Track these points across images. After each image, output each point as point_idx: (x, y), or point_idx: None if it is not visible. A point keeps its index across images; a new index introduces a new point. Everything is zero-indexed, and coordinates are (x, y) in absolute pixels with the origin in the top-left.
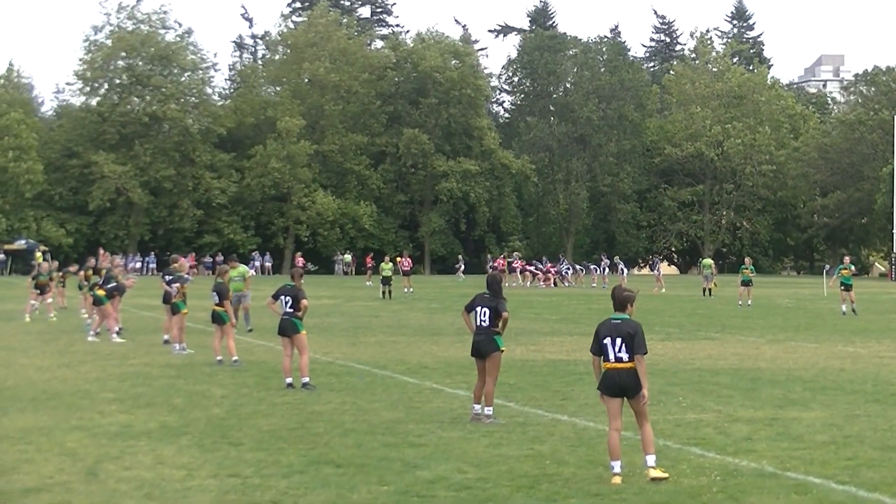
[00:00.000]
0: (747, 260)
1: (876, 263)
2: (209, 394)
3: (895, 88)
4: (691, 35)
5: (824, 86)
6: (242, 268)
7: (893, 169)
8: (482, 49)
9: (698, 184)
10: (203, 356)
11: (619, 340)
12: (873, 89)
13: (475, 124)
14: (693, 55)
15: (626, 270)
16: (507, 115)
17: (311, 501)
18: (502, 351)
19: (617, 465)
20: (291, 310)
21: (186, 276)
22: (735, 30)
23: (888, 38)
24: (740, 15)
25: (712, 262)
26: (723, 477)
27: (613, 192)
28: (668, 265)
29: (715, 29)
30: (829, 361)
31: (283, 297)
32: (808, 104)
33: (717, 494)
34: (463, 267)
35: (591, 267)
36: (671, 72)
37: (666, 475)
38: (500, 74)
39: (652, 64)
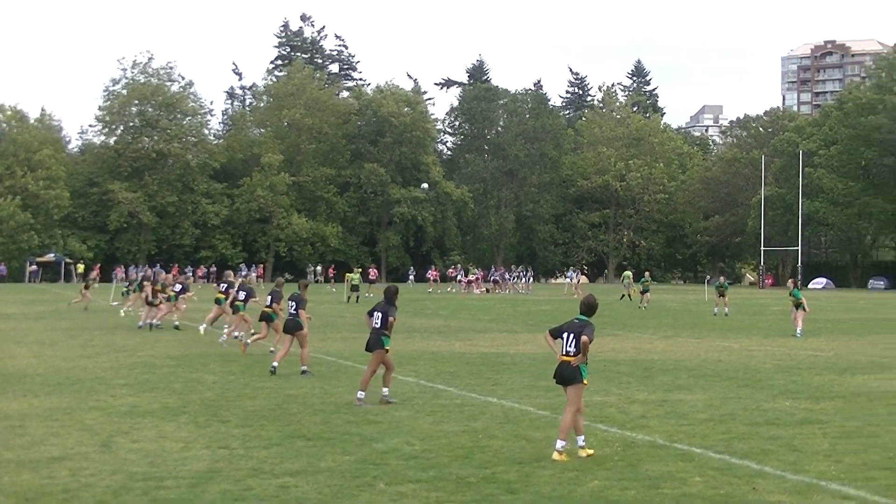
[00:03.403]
0: (647, 273)
1: (747, 274)
2: (203, 380)
3: (763, 132)
4: (599, 88)
5: (706, 130)
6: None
7: (762, 198)
8: (430, 98)
9: (605, 209)
10: (199, 349)
11: (571, 337)
12: (746, 133)
13: (423, 160)
14: (601, 105)
15: (531, 279)
16: (449, 152)
17: (286, 468)
18: (386, 350)
19: (581, 440)
20: (295, 312)
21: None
22: (635, 84)
23: (759, 90)
24: (639, 72)
25: (630, 273)
26: (623, 448)
27: (535, 215)
28: (581, 275)
29: (618, 83)
30: (708, 354)
31: (290, 302)
32: (693, 145)
33: (618, 462)
34: (413, 276)
35: (519, 276)
36: (583, 118)
37: (591, 451)
38: (444, 119)
39: (568, 111)
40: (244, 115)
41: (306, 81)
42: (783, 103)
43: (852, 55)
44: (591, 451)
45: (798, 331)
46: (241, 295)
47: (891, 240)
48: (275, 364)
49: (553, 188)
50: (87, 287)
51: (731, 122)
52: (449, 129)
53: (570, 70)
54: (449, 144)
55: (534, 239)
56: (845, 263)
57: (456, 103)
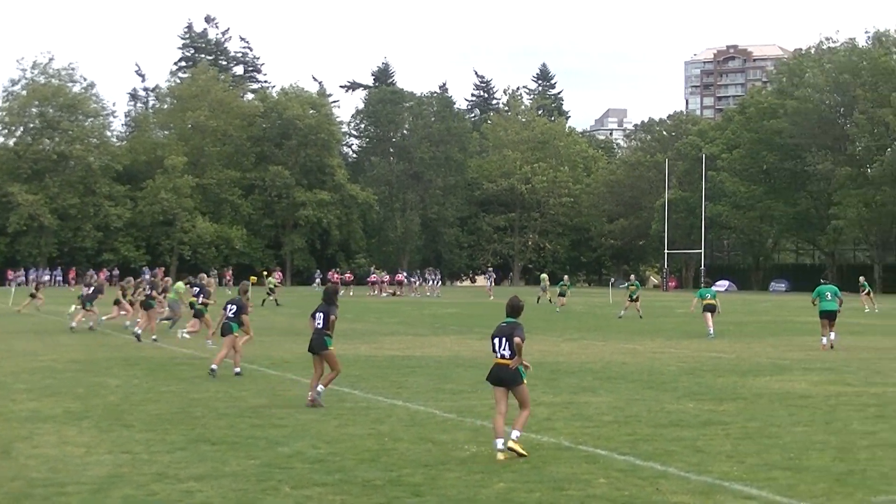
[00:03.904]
0: (566, 277)
1: (651, 277)
2: (106, 384)
3: (667, 136)
4: (505, 91)
5: (611, 134)
6: (178, 284)
7: (665, 201)
8: (335, 101)
9: (510, 212)
10: (103, 353)
11: (503, 340)
12: (650, 136)
13: (328, 162)
14: (506, 108)
15: (439, 282)
16: (354, 155)
17: (190, 473)
18: (331, 349)
19: (500, 443)
20: (233, 315)
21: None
22: (540, 88)
23: (663, 95)
24: (544, 76)
25: (547, 276)
26: (528, 450)
27: (440, 218)
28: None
29: (524, 87)
30: (613, 356)
31: (229, 306)
32: (598, 148)
33: (523, 465)
34: (319, 279)
35: (427, 279)
36: (489, 121)
37: (524, 453)
38: (349, 122)
39: (473, 114)
40: (147, 117)
41: (211, 83)
42: (686, 107)
43: (754, 60)
44: (523, 452)
45: (711, 331)
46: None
47: (792, 243)
48: (214, 366)
49: (458, 191)
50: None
51: (636, 125)
52: (354, 132)
53: (476, 73)
54: (354, 147)
55: (439, 242)
56: (747, 266)
57: (361, 106)
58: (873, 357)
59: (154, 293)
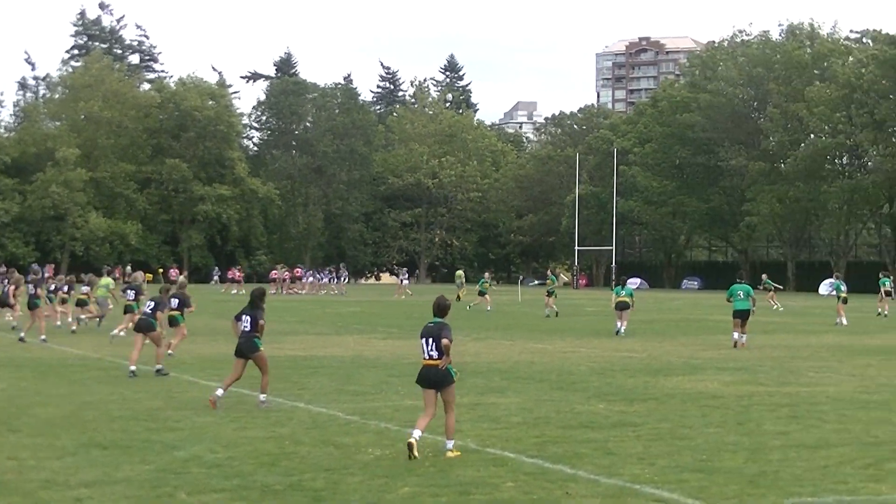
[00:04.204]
0: (486, 274)
1: (561, 274)
2: None
3: (578, 130)
4: (411, 83)
5: (520, 127)
6: (106, 279)
7: (576, 197)
8: (235, 92)
9: (416, 207)
10: None
11: (431, 341)
12: (560, 130)
13: (228, 155)
14: (413, 100)
15: (346, 279)
16: (255, 148)
17: (81, 479)
18: (262, 351)
19: (416, 434)
20: (150, 311)
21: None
22: (448, 79)
23: (574, 87)
24: (452, 67)
25: (463, 273)
26: (434, 453)
27: (344, 214)
28: (390, 276)
29: (431, 78)
30: (521, 356)
31: (149, 302)
32: (507, 142)
33: (429, 468)
34: (217, 276)
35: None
36: (395, 114)
37: (458, 453)
38: (250, 114)
39: (379, 107)
40: (37, 107)
41: (105, 72)
42: (598, 100)
43: (667, 52)
44: (457, 453)
45: (621, 328)
46: (130, 295)
47: (704, 239)
48: (132, 368)
49: (363, 186)
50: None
51: (546, 119)
52: (255, 124)
53: (382, 64)
54: (255, 140)
55: (343, 238)
56: (659, 263)
57: (262, 97)
58: (786, 356)
59: (39, 291)
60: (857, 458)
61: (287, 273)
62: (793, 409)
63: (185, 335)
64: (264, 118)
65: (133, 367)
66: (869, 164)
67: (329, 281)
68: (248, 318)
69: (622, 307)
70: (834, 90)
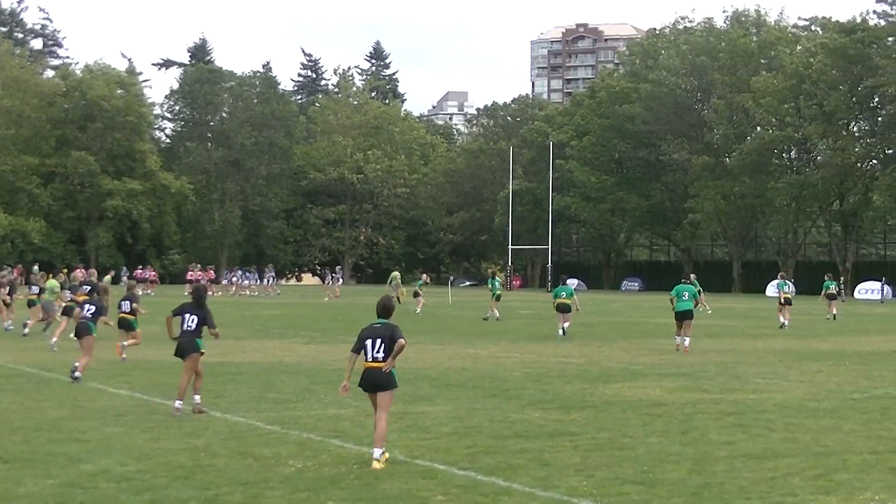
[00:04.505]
0: (425, 276)
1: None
2: None
3: (511, 122)
4: (335, 72)
5: (451, 118)
6: (53, 282)
7: (509, 192)
8: (146, 80)
9: (340, 204)
10: None
11: (378, 342)
12: (492, 122)
13: (138, 148)
14: (336, 89)
15: (273, 280)
16: (168, 140)
17: None
18: (202, 353)
19: (377, 453)
20: (90, 315)
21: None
22: (373, 68)
23: (507, 76)
24: (378, 55)
25: (398, 274)
26: (359, 465)
27: (263, 210)
28: (313, 276)
29: (356, 67)
30: (452, 361)
31: (87, 305)
32: (437, 134)
33: (354, 481)
34: (126, 276)
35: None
36: (317, 104)
37: (386, 456)
38: (162, 103)
39: (300, 96)
40: None
41: (4, 58)
42: (532, 90)
43: (605, 40)
44: (383, 465)
45: (561, 331)
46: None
47: (645, 238)
48: (77, 374)
49: (283, 181)
50: None
51: (478, 110)
52: (168, 115)
53: (303, 51)
54: (168, 131)
55: (262, 236)
56: (598, 263)
57: (175, 86)
58: (731, 361)
59: None
60: (805, 469)
61: (201, 273)
62: (739, 417)
63: (140, 341)
64: (177, 108)
65: (78, 374)
66: (818, 158)
67: (257, 282)
68: (195, 317)
69: (563, 309)
70: (781, 80)
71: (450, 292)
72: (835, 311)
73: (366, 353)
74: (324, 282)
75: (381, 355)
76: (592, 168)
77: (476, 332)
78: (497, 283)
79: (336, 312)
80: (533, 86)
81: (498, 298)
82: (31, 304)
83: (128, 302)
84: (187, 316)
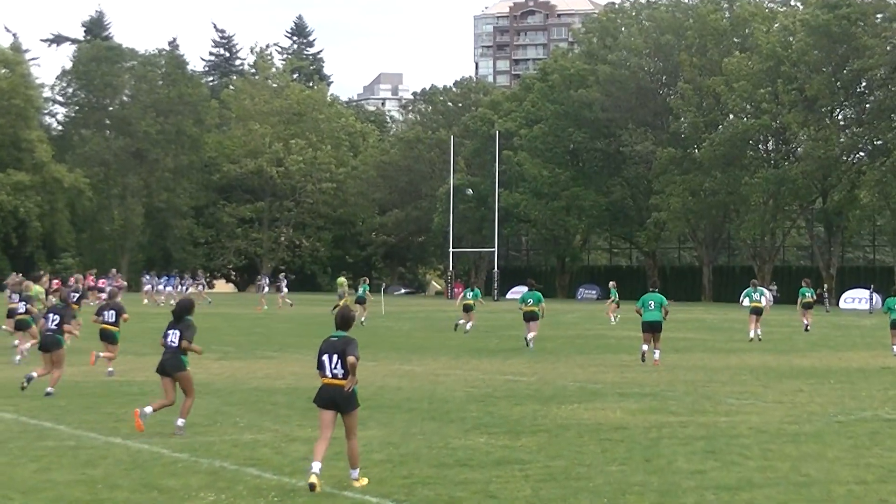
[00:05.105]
0: (363, 279)
1: (433, 282)
2: None
3: (453, 108)
4: (251, 50)
5: (383, 104)
6: (37, 288)
7: (450, 188)
8: (34, 59)
9: (258, 200)
10: None
11: (335, 357)
12: (431, 108)
13: (25, 136)
14: (253, 70)
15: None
16: (60, 127)
17: None
18: (188, 371)
19: (316, 467)
20: (56, 327)
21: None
22: (295, 46)
23: (447, 56)
24: (300, 31)
25: (345, 280)
26: (280, 497)
27: (170, 207)
28: (226, 283)
29: (275, 45)
30: (386, 380)
31: (50, 315)
32: (367, 122)
33: None
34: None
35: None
36: (231, 87)
37: (366, 481)
38: (53, 85)
39: (211, 78)
40: None
41: None
42: (476, 72)
43: (558, 15)
44: (365, 482)
45: (529, 337)
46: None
47: (604, 240)
48: (27, 382)
49: (193, 174)
50: None
51: (414, 94)
52: (60, 98)
53: (215, 27)
54: (60, 117)
55: (168, 237)
56: (551, 268)
57: (69, 65)
58: (701, 379)
59: None
60: (785, 502)
61: (105, 280)
62: (710, 442)
63: (115, 356)
64: (71, 91)
65: (28, 382)
66: (798, 150)
67: (177, 288)
68: (177, 332)
69: (530, 317)
70: (756, 62)
71: (383, 301)
72: (808, 321)
73: (323, 369)
74: (259, 290)
75: (339, 371)
76: (544, 161)
77: (412, 346)
78: (478, 294)
79: (254, 324)
80: (477, 67)
81: (469, 309)
82: (21, 326)
83: (112, 312)
84: (169, 332)
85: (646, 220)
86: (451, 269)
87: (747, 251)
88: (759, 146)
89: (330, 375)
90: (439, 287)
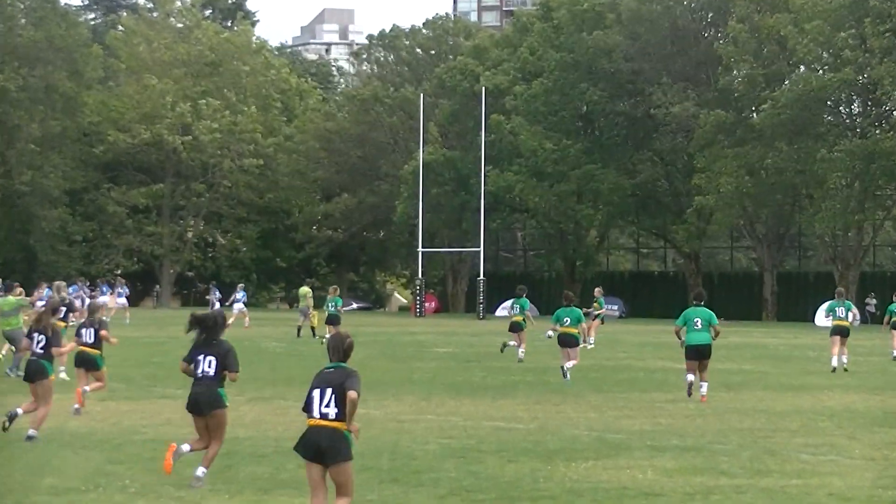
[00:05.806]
0: (333, 289)
1: (396, 294)
2: None
3: (423, 56)
4: None
5: (328, 50)
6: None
7: (419, 165)
8: None
9: (156, 182)
10: None
11: (328, 392)
12: (392, 57)
13: None
14: (150, 5)
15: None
16: None
17: None
18: (226, 408)
19: None
20: (42, 350)
21: None
22: None
23: None
24: None
25: (309, 290)
26: None
27: (36, 192)
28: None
29: None
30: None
31: (35, 336)
32: (306, 75)
33: None
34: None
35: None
36: (119, 27)
37: None
38: None
39: (93, 16)
40: None
41: None
42: (455, 8)
43: None
44: None
45: (567, 367)
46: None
47: (629, 236)
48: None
49: (67, 146)
50: None
51: (370, 37)
52: None
53: None
54: None
55: (33, 232)
56: (556, 275)
57: None
58: (762, 427)
59: None
60: None
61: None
62: None
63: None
64: None
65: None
66: (894, 113)
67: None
68: (213, 358)
69: (567, 342)
70: None
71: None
72: None
73: (310, 408)
74: (210, 305)
75: (331, 411)
76: (547, 128)
77: (368, 381)
78: (526, 303)
79: (151, 352)
80: (455, 2)
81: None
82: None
83: (91, 330)
84: (201, 358)
85: (685, 208)
86: (420, 275)
87: (824, 251)
88: (841, 108)
89: (317, 415)
90: (404, 300)
